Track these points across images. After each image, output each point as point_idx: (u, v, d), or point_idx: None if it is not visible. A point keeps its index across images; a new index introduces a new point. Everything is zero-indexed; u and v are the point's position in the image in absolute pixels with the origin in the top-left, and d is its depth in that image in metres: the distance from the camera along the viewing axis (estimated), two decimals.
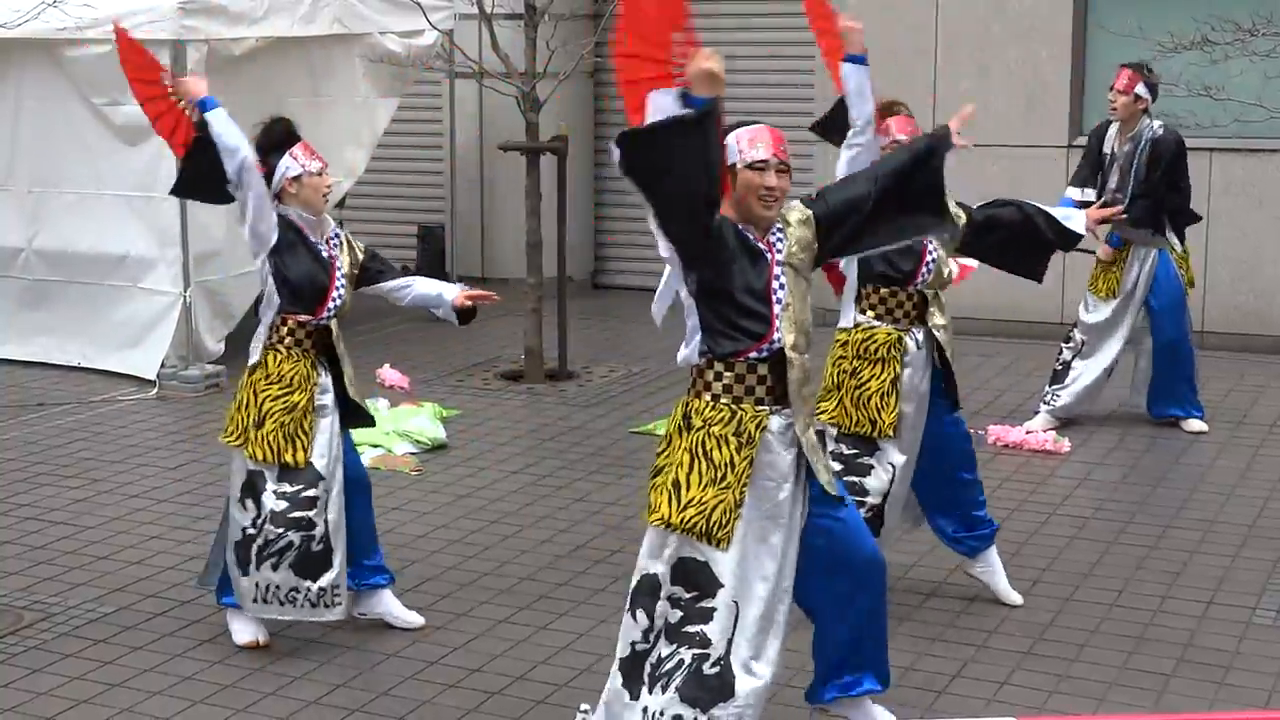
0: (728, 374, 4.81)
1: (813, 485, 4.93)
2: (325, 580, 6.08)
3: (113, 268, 10.36)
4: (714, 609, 4.76)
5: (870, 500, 6.23)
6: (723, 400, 4.81)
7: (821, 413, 6.26)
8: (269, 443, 6.02)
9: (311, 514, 6.04)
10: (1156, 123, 8.64)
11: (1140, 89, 8.57)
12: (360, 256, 6.31)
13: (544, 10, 10.25)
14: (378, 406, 9.16)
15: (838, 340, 6.38)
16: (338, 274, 6.17)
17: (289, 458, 6.01)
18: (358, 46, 11.15)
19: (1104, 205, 8.12)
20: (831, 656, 5.18)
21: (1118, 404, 9.16)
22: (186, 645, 6.22)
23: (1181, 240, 8.85)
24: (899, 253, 6.11)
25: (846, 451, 6.27)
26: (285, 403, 6.03)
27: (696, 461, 4.79)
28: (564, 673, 5.95)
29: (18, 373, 10.47)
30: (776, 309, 4.80)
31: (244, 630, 6.21)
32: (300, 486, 6.04)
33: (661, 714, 4.74)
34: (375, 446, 8.61)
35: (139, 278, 10.30)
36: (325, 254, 6.16)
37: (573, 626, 6.37)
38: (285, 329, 6.11)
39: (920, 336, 6.30)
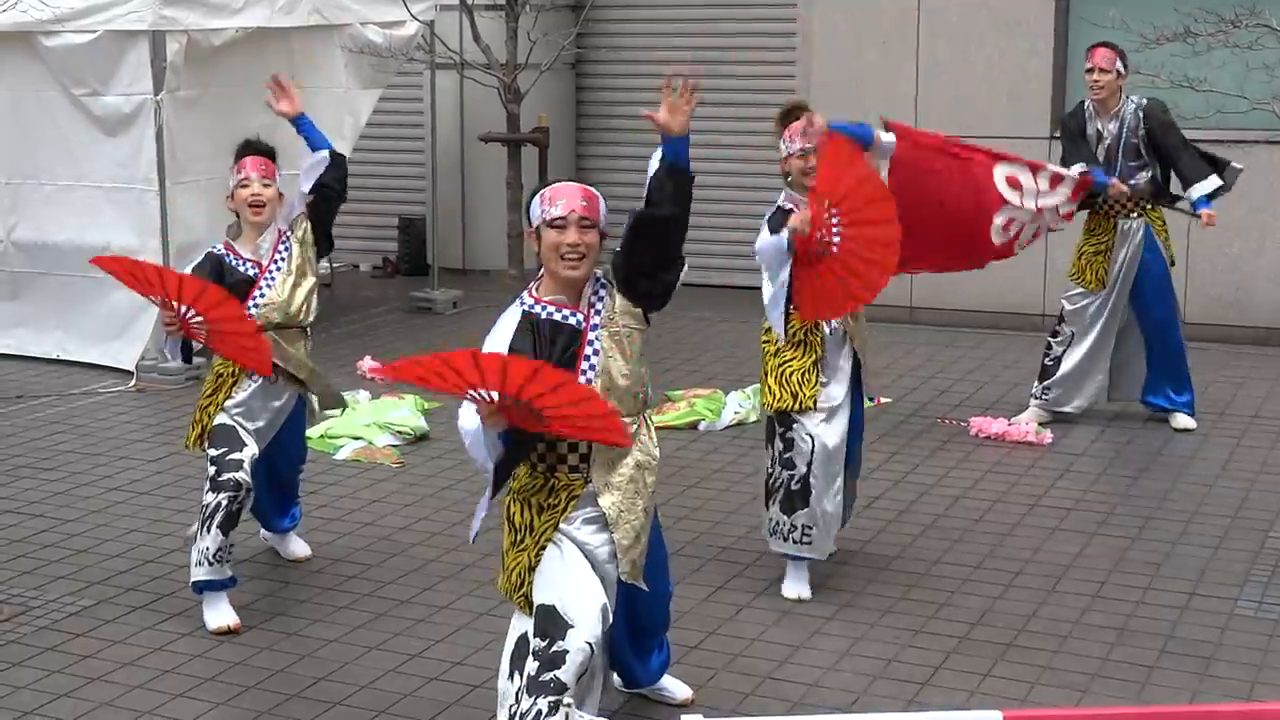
0: (540, 443, 4.85)
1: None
2: (226, 540, 6.30)
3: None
4: (565, 651, 4.73)
5: (798, 472, 6.44)
6: (539, 468, 4.90)
7: (762, 401, 6.62)
8: (190, 424, 6.59)
9: (237, 475, 6.29)
10: (1135, 98, 8.60)
11: (1119, 64, 8.54)
12: (301, 236, 6.56)
13: (525, 2, 10.22)
14: (358, 399, 9.14)
15: (764, 325, 6.57)
16: (259, 288, 6.45)
17: (186, 441, 6.61)
18: (338, 37, 11.12)
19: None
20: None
21: (1100, 395, 9.14)
22: (167, 638, 6.20)
23: (1171, 204, 8.77)
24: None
25: (778, 429, 6.49)
26: (200, 391, 6.62)
27: (505, 525, 4.94)
28: None
29: None
30: (582, 381, 4.79)
31: (217, 617, 6.29)
32: (223, 450, 6.35)
33: None
34: (356, 439, 8.58)
35: None
36: (250, 271, 6.47)
37: None
38: None
39: (834, 321, 6.51)
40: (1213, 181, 8.54)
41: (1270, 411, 9.25)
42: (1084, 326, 8.83)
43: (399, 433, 8.71)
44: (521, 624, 4.88)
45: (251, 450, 6.37)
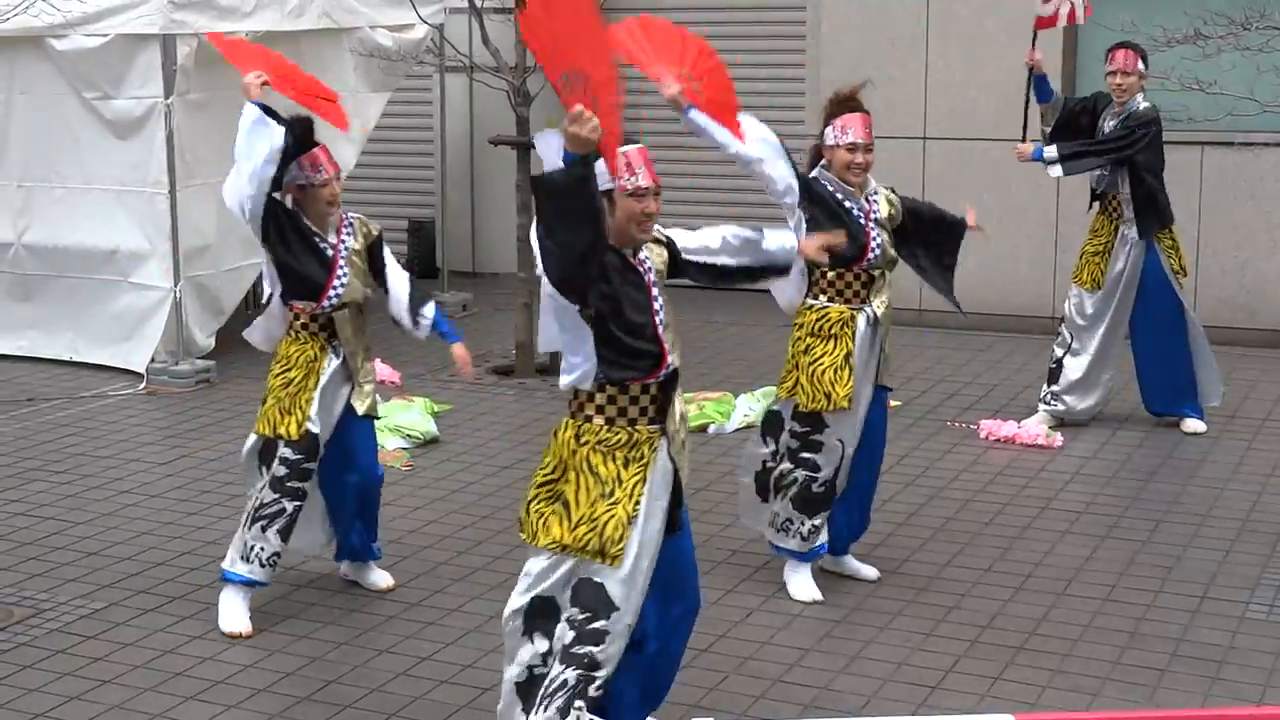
0: (622, 397, 4.81)
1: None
2: (285, 546, 6.37)
3: (103, 262, 10.33)
4: (607, 632, 4.74)
5: (823, 475, 6.44)
6: (618, 423, 4.81)
7: (782, 389, 6.52)
8: (267, 416, 6.30)
9: (306, 485, 6.32)
10: (1145, 102, 8.59)
11: (1140, 65, 8.52)
12: (369, 240, 6.45)
13: None
14: None
15: (795, 321, 6.54)
16: (340, 266, 6.29)
17: (282, 430, 6.28)
18: (347, 41, 11.12)
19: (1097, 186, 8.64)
20: (644, 682, 5.14)
21: (1110, 399, 9.13)
22: (177, 641, 6.20)
23: (1165, 227, 8.73)
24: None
25: (799, 429, 6.46)
26: (283, 379, 6.32)
27: (582, 478, 4.79)
28: None
29: (7, 368, 10.44)
30: (661, 331, 4.83)
31: (232, 619, 6.29)
32: (301, 456, 6.28)
33: None
34: None
35: (129, 272, 10.26)
36: (325, 246, 6.29)
37: None
38: (295, 316, 6.37)
39: (870, 315, 6.48)
40: (1053, 156, 8.51)
41: None
42: (1081, 330, 8.82)
43: (408, 436, 8.71)
44: (555, 581, 4.80)
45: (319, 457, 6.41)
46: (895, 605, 6.50)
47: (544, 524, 4.81)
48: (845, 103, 6.44)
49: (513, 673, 4.91)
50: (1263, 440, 8.73)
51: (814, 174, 6.44)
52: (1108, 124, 8.62)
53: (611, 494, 4.76)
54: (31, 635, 6.27)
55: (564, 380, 4.84)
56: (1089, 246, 8.82)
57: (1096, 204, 8.80)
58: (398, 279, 6.47)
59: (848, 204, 6.39)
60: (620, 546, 4.73)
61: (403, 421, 8.80)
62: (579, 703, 4.73)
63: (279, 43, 10.58)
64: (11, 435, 8.97)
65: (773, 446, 6.58)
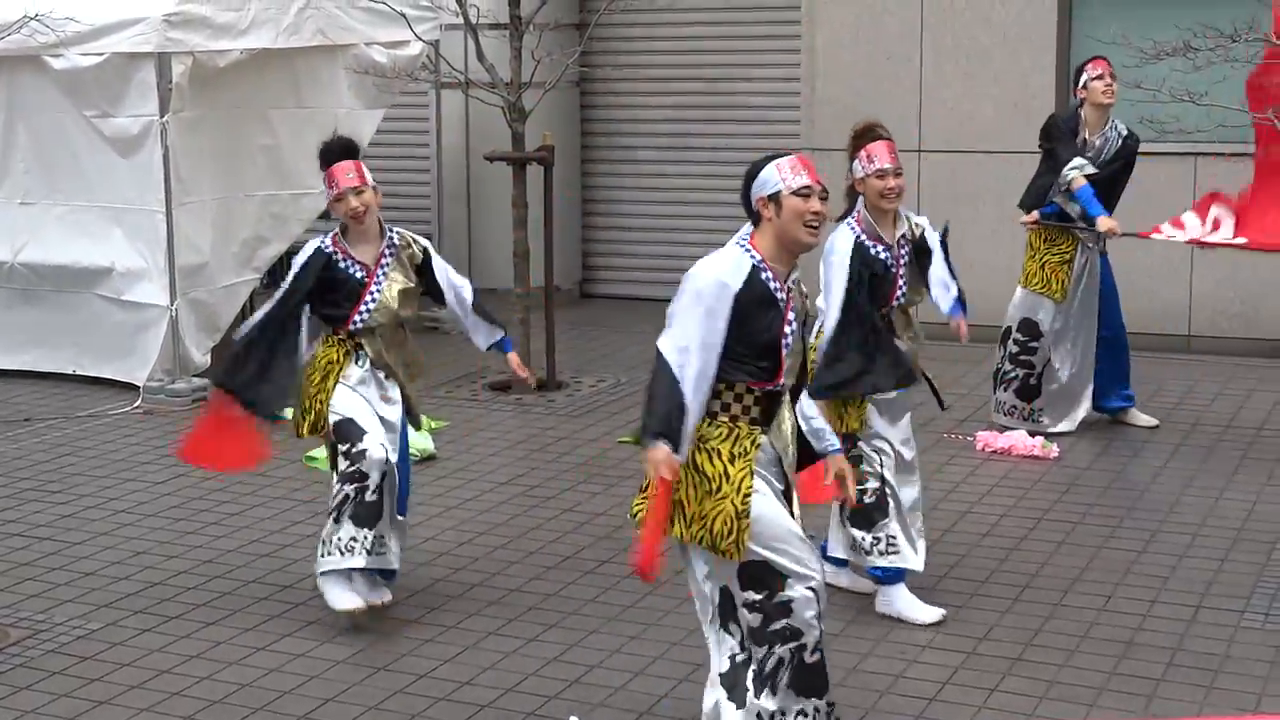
0: (728, 394, 4.93)
1: None
2: (375, 530, 6.44)
3: (99, 279, 10.33)
4: (790, 599, 4.90)
5: (869, 485, 6.48)
6: (720, 419, 4.93)
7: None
8: (294, 420, 6.64)
9: (362, 466, 6.41)
10: (1119, 122, 8.69)
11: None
12: (415, 261, 6.66)
13: (529, 20, 10.25)
14: None
15: None
16: (370, 292, 6.49)
17: (303, 431, 6.60)
18: (342, 58, 11.14)
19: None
20: None
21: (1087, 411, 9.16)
22: (174, 661, 6.21)
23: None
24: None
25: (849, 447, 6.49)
26: (307, 382, 6.54)
27: (690, 475, 4.89)
28: (554, 684, 5.94)
29: (3, 388, 10.44)
30: (784, 354, 4.96)
31: (343, 597, 6.47)
32: (349, 444, 6.45)
33: (782, 714, 4.94)
34: None
35: (126, 290, 10.27)
36: (355, 272, 6.49)
37: (562, 638, 6.37)
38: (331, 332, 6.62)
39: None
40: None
41: (1276, 424, 9.24)
42: (1059, 342, 8.90)
43: None
44: (719, 572, 4.95)
45: (374, 436, 6.46)
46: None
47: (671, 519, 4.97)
48: (866, 134, 6.52)
49: (716, 665, 5.04)
50: (1258, 449, 8.74)
51: (851, 230, 6.44)
52: (1093, 140, 8.63)
53: (719, 490, 4.89)
54: (28, 656, 6.27)
55: None
56: (1052, 256, 8.80)
57: (1035, 214, 8.80)
58: (456, 290, 6.70)
59: (882, 255, 6.47)
60: (731, 541, 4.87)
61: None
62: (574, 716, 4.74)
63: (273, 60, 10.64)
64: (8, 455, 8.97)
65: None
